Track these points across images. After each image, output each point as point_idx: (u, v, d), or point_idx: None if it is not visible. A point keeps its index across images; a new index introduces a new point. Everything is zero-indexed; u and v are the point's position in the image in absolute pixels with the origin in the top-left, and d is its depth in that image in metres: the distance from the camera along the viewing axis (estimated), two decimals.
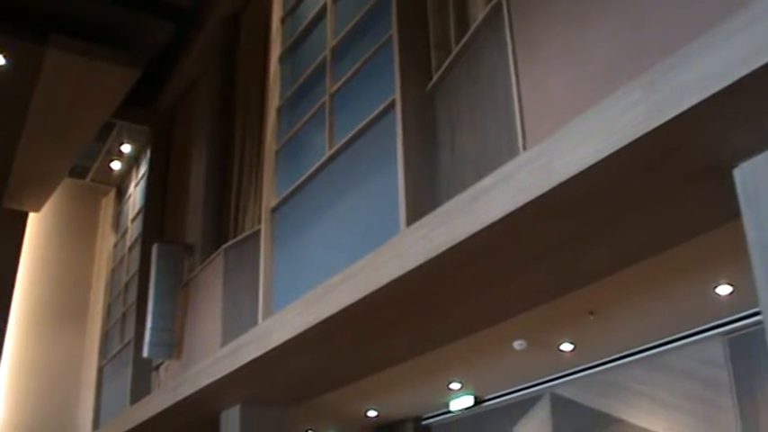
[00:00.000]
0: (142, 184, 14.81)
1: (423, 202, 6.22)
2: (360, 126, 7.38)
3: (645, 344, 8.13)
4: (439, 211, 5.19)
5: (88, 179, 16.63)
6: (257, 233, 9.29)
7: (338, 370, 8.29)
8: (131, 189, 15.58)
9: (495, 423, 10.22)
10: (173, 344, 11.15)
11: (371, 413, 11.22)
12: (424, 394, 10.19)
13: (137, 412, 11.65)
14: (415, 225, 5.45)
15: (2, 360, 14.77)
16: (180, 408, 10.15)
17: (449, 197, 5.24)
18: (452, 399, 10.34)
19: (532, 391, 9.61)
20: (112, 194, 16.85)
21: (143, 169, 14.99)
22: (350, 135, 7.51)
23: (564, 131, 4.17)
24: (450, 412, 10.73)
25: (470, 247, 4.94)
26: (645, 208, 4.45)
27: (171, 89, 14.37)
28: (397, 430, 11.59)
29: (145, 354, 11.45)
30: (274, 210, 8.80)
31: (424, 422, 11.38)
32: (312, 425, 12.31)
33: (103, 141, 15.42)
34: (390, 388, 9.63)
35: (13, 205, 15.20)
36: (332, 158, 7.83)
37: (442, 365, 8.74)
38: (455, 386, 9.79)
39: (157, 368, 12.27)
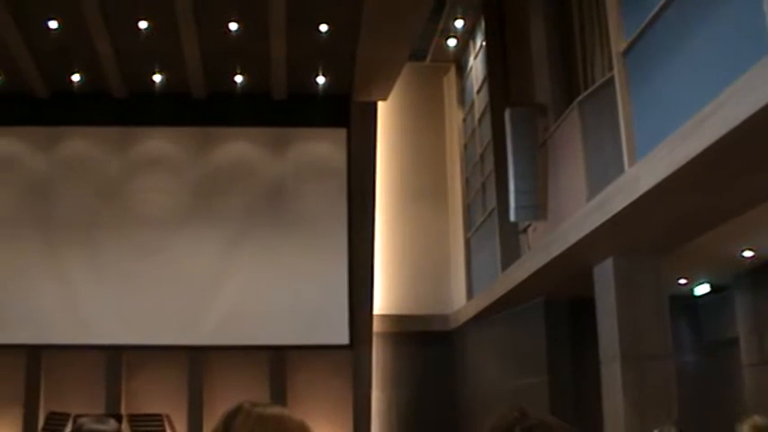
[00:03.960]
0: (481, 54, 14.88)
1: None
2: None
3: None
4: None
5: (428, 60, 16.97)
6: (610, 81, 9.03)
7: (711, 209, 8.01)
8: (471, 62, 15.72)
9: None
10: (537, 205, 11.23)
11: (747, 253, 10.78)
12: None
13: (510, 276, 11.98)
14: None
15: (375, 240, 15.73)
16: (552, 267, 10.31)
17: None
18: None
19: None
20: (453, 71, 17.12)
21: (479, 40, 15.04)
22: None
23: None
24: None
25: None
26: None
27: None
28: None
29: (512, 218, 11.64)
30: (625, 53, 8.49)
31: None
32: (685, 273, 12.06)
33: (436, 21, 15.62)
34: None
35: (363, 97, 15.87)
36: None
37: None
38: None
39: (525, 231, 12.45)
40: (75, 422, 13.55)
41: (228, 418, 2.26)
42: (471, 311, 14.62)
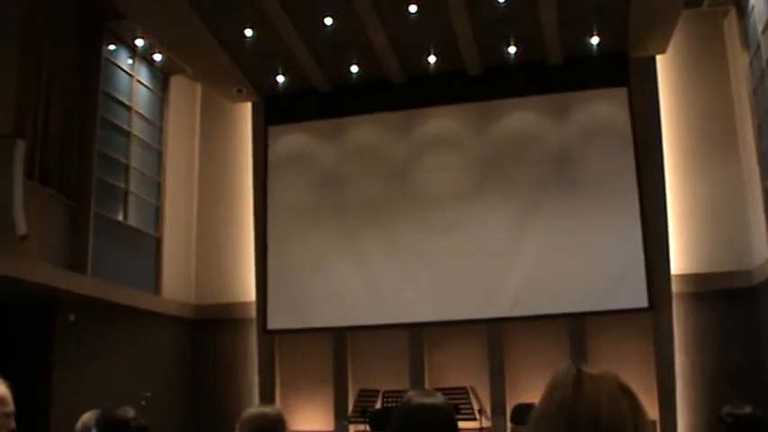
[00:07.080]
0: None
1: None
2: None
3: None
4: None
5: (705, 5, 16.17)
6: None
7: None
8: (752, 0, 14.85)
9: None
10: None
11: None
12: None
13: None
14: None
15: (667, 198, 15.31)
16: None
17: None
18: None
19: None
20: (732, 13, 16.20)
21: None
22: None
23: None
24: None
25: None
26: None
27: None
28: None
29: None
30: None
31: None
32: None
33: None
34: None
35: (640, 53, 15.50)
36: None
37: None
38: None
39: None
40: (384, 398, 14.25)
41: (575, 383, 2.16)
42: None
